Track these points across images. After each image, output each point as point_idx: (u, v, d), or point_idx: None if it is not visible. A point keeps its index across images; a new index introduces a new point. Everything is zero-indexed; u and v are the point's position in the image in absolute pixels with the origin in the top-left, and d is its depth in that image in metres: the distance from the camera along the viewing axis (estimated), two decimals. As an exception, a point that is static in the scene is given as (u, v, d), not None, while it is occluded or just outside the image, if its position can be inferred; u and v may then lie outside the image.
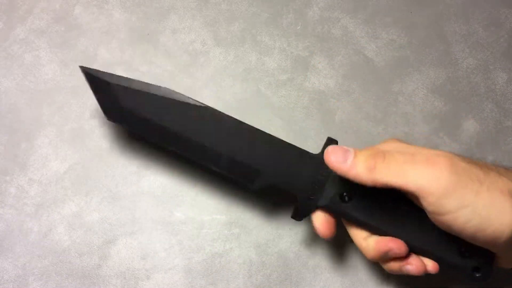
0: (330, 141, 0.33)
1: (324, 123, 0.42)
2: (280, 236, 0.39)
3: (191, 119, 0.33)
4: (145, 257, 0.38)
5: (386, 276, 0.38)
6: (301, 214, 0.32)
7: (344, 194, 0.31)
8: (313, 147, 0.41)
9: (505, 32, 0.45)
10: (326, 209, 0.32)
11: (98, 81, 0.33)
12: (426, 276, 0.38)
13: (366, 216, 0.31)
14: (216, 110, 0.33)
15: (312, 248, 0.38)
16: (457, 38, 0.45)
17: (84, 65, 0.43)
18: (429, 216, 0.28)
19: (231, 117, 0.33)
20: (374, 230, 0.32)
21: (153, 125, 0.33)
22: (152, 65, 0.43)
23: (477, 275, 0.31)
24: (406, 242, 0.31)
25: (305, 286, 0.37)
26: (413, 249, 0.32)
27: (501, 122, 0.42)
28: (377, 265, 0.38)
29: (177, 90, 0.42)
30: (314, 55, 0.44)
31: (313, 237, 0.39)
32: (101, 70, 0.35)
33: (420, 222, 0.30)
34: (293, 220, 0.39)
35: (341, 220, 0.34)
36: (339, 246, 0.39)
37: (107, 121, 0.35)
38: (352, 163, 0.28)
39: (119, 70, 0.43)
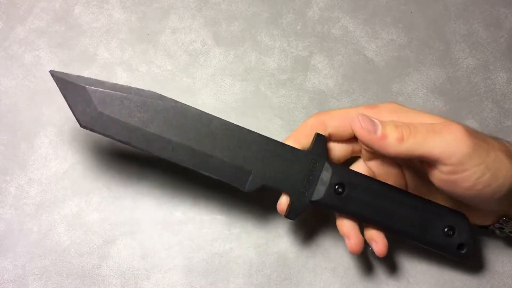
0: (319, 137, 0.33)
1: (324, 123, 0.42)
2: (280, 236, 0.39)
3: (177, 122, 0.31)
4: (145, 257, 0.38)
5: (386, 276, 0.38)
6: (295, 212, 0.33)
7: (337, 186, 0.32)
8: (313, 147, 0.41)
9: (505, 32, 0.45)
10: (319, 203, 0.33)
11: (72, 86, 0.30)
12: (426, 276, 0.38)
13: (358, 207, 0.33)
14: (202, 111, 0.32)
15: (312, 248, 0.38)
16: (457, 38, 0.45)
17: (84, 65, 0.43)
18: (439, 179, 0.31)
19: (217, 117, 0.32)
20: (365, 220, 0.34)
21: (135, 130, 0.31)
22: (152, 65, 0.43)
23: (463, 252, 0.33)
24: (394, 228, 0.33)
25: (305, 286, 0.37)
26: (401, 234, 0.34)
27: (501, 122, 0.42)
28: (377, 265, 0.38)
29: (177, 90, 0.42)
30: (314, 55, 0.44)
31: (313, 237, 0.39)
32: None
33: (408, 208, 0.33)
34: (293, 220, 0.39)
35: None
36: (339, 246, 0.39)
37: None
38: (382, 133, 0.30)
39: (119, 70, 0.43)
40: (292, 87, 0.43)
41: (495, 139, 0.32)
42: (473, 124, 0.42)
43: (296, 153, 0.33)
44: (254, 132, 0.33)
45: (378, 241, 0.33)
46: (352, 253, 0.33)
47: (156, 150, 0.31)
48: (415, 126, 0.30)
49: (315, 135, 0.34)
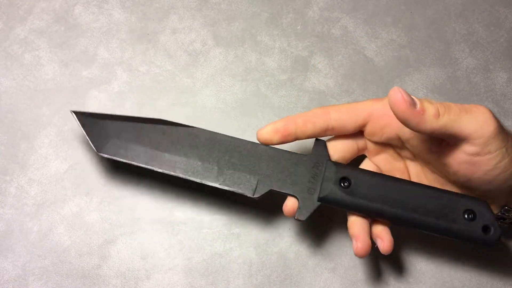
0: (319, 141, 0.35)
1: (324, 123, 0.42)
2: (280, 236, 0.39)
3: (183, 141, 0.35)
4: (145, 257, 0.38)
5: (385, 276, 0.38)
6: (305, 212, 0.33)
7: (342, 180, 0.33)
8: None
9: (505, 32, 0.45)
10: (328, 200, 0.33)
11: (90, 122, 0.36)
12: (426, 276, 0.38)
13: (366, 200, 0.32)
14: (205, 129, 0.35)
15: (312, 248, 0.38)
16: (457, 38, 0.45)
17: (84, 65, 0.43)
18: (461, 161, 0.31)
19: (222, 134, 0.35)
20: (375, 214, 0.33)
21: (146, 152, 0.35)
22: (152, 65, 0.43)
23: (490, 235, 0.31)
24: (408, 219, 0.32)
25: (305, 286, 0.38)
26: (418, 225, 0.32)
27: (501, 122, 0.42)
28: (377, 265, 0.38)
29: (177, 90, 0.42)
30: (314, 55, 0.44)
31: (313, 237, 0.39)
32: (91, 111, 0.37)
33: (420, 197, 0.32)
34: (293, 220, 0.39)
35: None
36: (339, 246, 0.39)
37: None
38: (421, 108, 0.29)
39: (119, 70, 0.43)
40: (292, 87, 0.43)
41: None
42: (473, 124, 0.42)
43: (298, 157, 0.34)
44: (256, 142, 0.34)
45: (383, 238, 0.33)
46: (357, 256, 0.33)
47: (166, 168, 0.34)
48: (448, 104, 0.30)
49: (314, 140, 0.34)
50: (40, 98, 0.42)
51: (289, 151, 0.34)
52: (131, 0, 0.45)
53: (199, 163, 0.34)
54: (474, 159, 0.30)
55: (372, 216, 0.33)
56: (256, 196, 0.34)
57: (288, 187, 0.33)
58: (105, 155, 0.35)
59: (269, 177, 0.34)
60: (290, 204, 0.33)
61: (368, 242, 0.33)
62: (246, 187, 0.34)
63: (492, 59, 0.44)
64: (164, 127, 0.35)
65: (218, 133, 0.35)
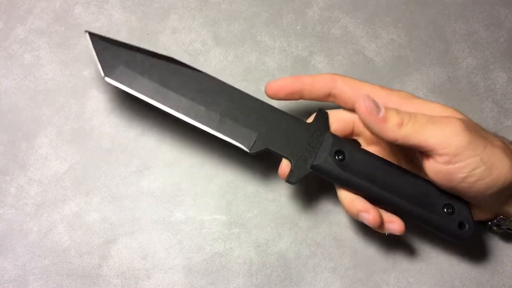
0: (321, 112, 0.35)
1: (324, 123, 0.42)
2: (280, 236, 0.39)
3: (191, 83, 0.35)
4: (145, 257, 0.38)
5: (386, 276, 0.38)
6: (296, 176, 0.34)
7: (337, 153, 0.34)
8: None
9: (505, 32, 0.45)
10: (320, 169, 0.34)
11: (103, 45, 0.35)
12: (426, 276, 0.38)
13: (357, 176, 0.33)
14: (217, 78, 0.35)
15: (312, 248, 0.38)
16: (457, 38, 0.45)
17: (84, 65, 0.43)
18: (435, 170, 0.31)
19: (231, 86, 0.35)
20: (365, 191, 0.34)
21: (154, 88, 0.34)
22: (152, 65, 0.43)
23: (464, 230, 0.33)
24: (394, 202, 0.33)
25: (305, 286, 0.38)
26: (401, 210, 0.34)
27: (501, 122, 0.42)
28: (377, 265, 0.38)
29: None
30: (314, 55, 0.44)
31: (313, 237, 0.39)
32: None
33: (407, 183, 0.34)
34: (293, 220, 0.39)
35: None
36: (339, 246, 0.39)
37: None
38: (384, 116, 0.30)
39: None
40: (292, 87, 0.43)
41: (495, 135, 0.33)
42: (473, 124, 0.42)
43: (300, 123, 0.35)
44: (263, 101, 0.35)
45: (394, 220, 0.34)
46: (374, 225, 0.33)
47: (170, 106, 0.34)
48: (415, 115, 0.31)
49: (317, 110, 0.35)
50: (40, 98, 0.42)
51: (292, 115, 0.35)
52: (131, 0, 0.45)
53: (203, 108, 0.34)
54: (447, 168, 0.31)
55: (358, 192, 0.34)
56: (252, 151, 0.34)
57: (285, 149, 0.34)
58: (111, 81, 0.34)
59: (268, 136, 0.34)
60: (285, 166, 0.34)
61: (378, 211, 0.33)
62: (245, 140, 0.34)
63: (492, 59, 0.44)
64: (177, 66, 0.35)
65: (227, 84, 0.35)
